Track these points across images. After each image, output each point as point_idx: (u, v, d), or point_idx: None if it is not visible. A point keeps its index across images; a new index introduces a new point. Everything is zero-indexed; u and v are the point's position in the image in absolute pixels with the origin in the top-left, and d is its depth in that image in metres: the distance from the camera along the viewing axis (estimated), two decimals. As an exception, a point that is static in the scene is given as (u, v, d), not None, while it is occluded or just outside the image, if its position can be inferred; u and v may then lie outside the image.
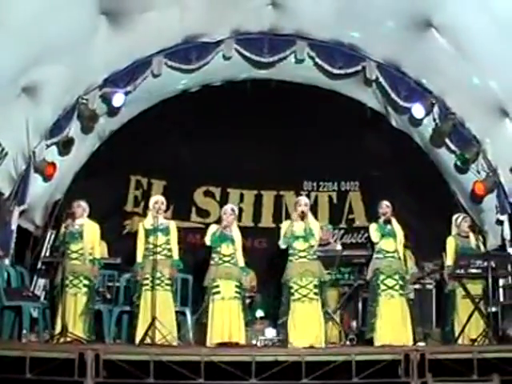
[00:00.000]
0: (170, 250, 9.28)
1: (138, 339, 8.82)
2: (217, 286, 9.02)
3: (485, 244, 11.14)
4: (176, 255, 9.36)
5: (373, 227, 9.46)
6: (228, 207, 9.53)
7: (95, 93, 11.00)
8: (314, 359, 7.80)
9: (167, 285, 9.17)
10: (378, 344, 8.93)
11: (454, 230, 9.95)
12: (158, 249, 9.12)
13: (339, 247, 11.23)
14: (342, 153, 13.49)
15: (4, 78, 9.20)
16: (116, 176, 13.47)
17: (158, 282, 9.01)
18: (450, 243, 9.84)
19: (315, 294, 8.97)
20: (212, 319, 8.93)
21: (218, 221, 9.63)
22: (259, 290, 12.02)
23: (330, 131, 13.27)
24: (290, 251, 9.15)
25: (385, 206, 9.44)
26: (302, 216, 9.10)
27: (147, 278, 9.06)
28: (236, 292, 9.05)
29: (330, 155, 13.50)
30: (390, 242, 9.32)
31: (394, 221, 9.34)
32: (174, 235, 9.41)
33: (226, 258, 9.14)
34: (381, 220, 9.41)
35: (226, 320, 8.92)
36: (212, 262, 9.17)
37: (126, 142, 12.92)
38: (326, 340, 9.03)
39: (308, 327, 8.85)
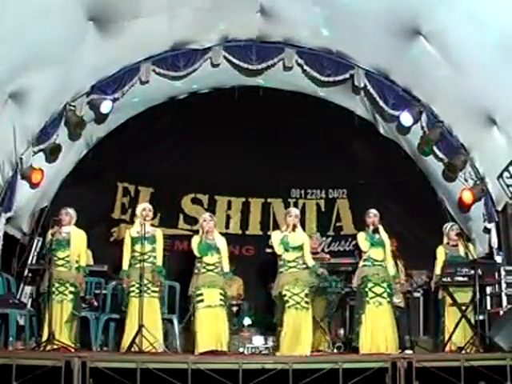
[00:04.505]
0: (155, 257, 9.27)
1: (125, 347, 8.80)
2: (200, 295, 8.96)
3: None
4: (160, 262, 9.32)
5: (361, 236, 9.42)
6: (206, 214, 9.54)
7: (83, 99, 10.97)
8: (302, 367, 7.77)
9: (154, 292, 9.15)
10: (364, 351, 8.94)
11: (444, 239, 9.99)
12: (145, 256, 9.10)
13: (326, 256, 11.21)
14: (330, 160, 13.49)
15: (-9, 83, 9.20)
16: (103, 183, 13.43)
17: (145, 288, 8.99)
18: (440, 253, 9.89)
19: (306, 302, 8.94)
20: (201, 328, 8.88)
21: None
22: (246, 297, 11.99)
23: (318, 139, 13.27)
24: (280, 263, 9.10)
25: (372, 214, 9.40)
26: (294, 228, 9.09)
27: (133, 285, 9.04)
28: (220, 300, 9.01)
29: (317, 163, 13.50)
30: (378, 251, 9.30)
31: (381, 229, 9.33)
32: (159, 243, 9.39)
33: (210, 267, 9.08)
34: (369, 229, 9.38)
35: (214, 327, 8.89)
36: (195, 271, 9.12)
37: (114, 149, 12.88)
38: (313, 348, 9.02)
39: (299, 335, 8.84)
